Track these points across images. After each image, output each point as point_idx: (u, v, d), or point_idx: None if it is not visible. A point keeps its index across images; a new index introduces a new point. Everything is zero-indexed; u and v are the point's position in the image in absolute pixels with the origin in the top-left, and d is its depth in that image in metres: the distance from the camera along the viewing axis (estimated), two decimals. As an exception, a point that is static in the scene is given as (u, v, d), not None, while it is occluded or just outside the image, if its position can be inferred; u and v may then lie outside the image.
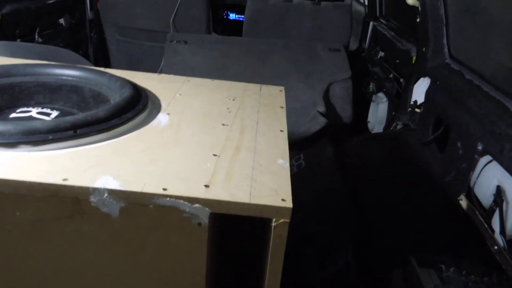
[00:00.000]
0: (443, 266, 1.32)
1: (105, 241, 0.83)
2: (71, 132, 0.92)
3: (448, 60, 1.98)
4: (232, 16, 4.35)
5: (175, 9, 3.01)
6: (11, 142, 0.86)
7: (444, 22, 1.97)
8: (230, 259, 1.02)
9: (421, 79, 2.08)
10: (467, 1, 1.91)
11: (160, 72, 2.89)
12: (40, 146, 0.88)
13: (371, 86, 2.97)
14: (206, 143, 1.00)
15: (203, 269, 0.85)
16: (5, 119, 1.09)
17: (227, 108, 1.22)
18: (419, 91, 2.06)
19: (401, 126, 2.23)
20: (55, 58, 2.18)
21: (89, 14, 3.33)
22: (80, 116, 0.97)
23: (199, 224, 0.81)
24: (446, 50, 1.99)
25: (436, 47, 2.01)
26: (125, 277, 0.87)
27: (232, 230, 0.92)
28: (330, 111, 2.65)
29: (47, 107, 1.16)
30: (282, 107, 1.28)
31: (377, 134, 2.59)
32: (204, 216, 0.80)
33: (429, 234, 1.50)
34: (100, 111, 1.00)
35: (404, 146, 2.03)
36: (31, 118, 1.08)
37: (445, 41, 1.99)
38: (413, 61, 2.20)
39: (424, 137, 1.94)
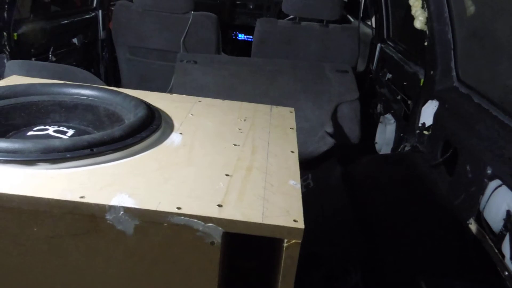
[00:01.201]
0: (452, 290, 1.32)
1: (119, 258, 0.84)
2: (88, 151, 0.94)
3: (456, 84, 2.00)
4: (241, 36, 4.43)
5: (186, 30, 3.07)
6: (30, 159, 0.89)
7: (452, 46, 2.00)
8: (239, 278, 1.03)
9: (429, 101, 2.09)
10: (474, 26, 1.94)
11: (170, 91, 2.94)
12: (58, 164, 0.90)
13: (379, 107, 2.99)
14: (218, 163, 1.02)
15: (215, 288, 0.86)
16: (23, 136, 1.11)
17: (239, 129, 1.24)
18: (427, 113, 2.07)
19: (409, 148, 2.24)
20: (69, 76, 2.23)
21: (101, 34, 3.41)
22: (96, 135, 0.99)
23: (212, 243, 0.82)
24: (454, 73, 2.01)
25: (444, 70, 2.03)
26: (137, 294, 0.88)
27: (241, 249, 0.93)
28: (338, 132, 2.67)
29: (63, 126, 1.19)
30: (292, 128, 1.30)
31: (385, 155, 2.59)
32: (217, 235, 0.81)
33: (438, 258, 1.49)
34: (116, 131, 1.02)
35: (413, 168, 2.03)
36: (48, 136, 1.11)
37: (453, 64, 2.01)
38: (421, 84, 2.23)
39: (433, 159, 1.95)
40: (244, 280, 1.02)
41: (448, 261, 1.49)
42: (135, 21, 3.13)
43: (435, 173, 1.91)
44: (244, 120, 1.31)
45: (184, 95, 1.48)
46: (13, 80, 1.40)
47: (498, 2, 1.76)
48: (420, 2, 2.18)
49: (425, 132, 2.08)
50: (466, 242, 1.52)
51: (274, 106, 1.47)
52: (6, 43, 2.26)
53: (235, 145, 1.13)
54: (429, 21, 2.10)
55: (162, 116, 1.23)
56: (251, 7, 4.33)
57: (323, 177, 2.28)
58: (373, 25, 3.33)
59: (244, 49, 4.02)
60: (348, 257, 1.61)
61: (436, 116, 2.01)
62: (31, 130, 1.15)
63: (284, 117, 1.39)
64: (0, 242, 0.83)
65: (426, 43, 2.16)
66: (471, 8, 1.96)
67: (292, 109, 1.47)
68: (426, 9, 2.12)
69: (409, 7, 2.29)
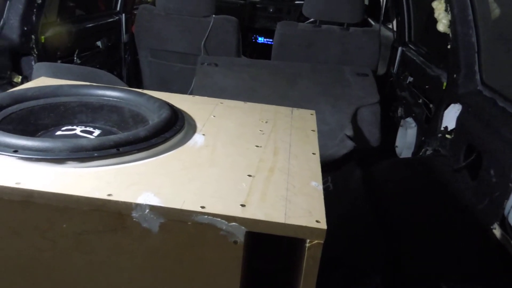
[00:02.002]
0: (475, 295, 1.30)
1: (144, 255, 0.86)
2: (114, 150, 0.96)
3: (480, 87, 1.97)
4: (261, 39, 4.45)
5: (207, 33, 3.11)
6: (60, 158, 0.92)
7: (476, 49, 1.97)
8: (260, 279, 1.04)
9: (452, 105, 2.07)
10: (499, 28, 1.91)
11: (191, 93, 2.98)
12: (86, 162, 0.93)
13: (399, 111, 2.96)
14: (240, 164, 1.03)
15: (237, 287, 0.87)
16: (52, 136, 1.15)
17: (260, 130, 1.26)
18: (450, 117, 2.05)
19: (431, 151, 2.21)
20: (93, 78, 2.28)
21: (124, 37, 3.48)
22: (122, 135, 1.02)
23: (235, 242, 0.83)
24: (478, 77, 1.98)
25: (467, 73, 2.00)
26: (161, 291, 0.90)
27: (261, 250, 0.93)
28: (358, 135, 2.65)
29: (89, 126, 1.22)
30: (313, 131, 1.31)
31: (407, 159, 2.57)
32: (240, 235, 0.83)
33: (461, 262, 1.47)
34: (141, 131, 1.04)
35: (435, 172, 2.01)
36: (75, 136, 1.14)
37: (477, 68, 1.98)
38: (444, 87, 2.20)
39: (455, 163, 1.92)
40: (266, 279, 1.03)
41: (471, 266, 1.47)
42: (157, 25, 3.18)
43: (458, 177, 1.88)
44: (266, 122, 1.32)
45: (206, 97, 1.50)
46: (42, 81, 1.44)
47: (524, 4, 1.73)
48: (444, 5, 2.15)
49: (447, 136, 2.05)
50: (490, 247, 1.50)
51: (295, 109, 1.47)
52: (34, 45, 2.33)
53: (257, 146, 1.14)
54: (452, 24, 2.08)
55: (185, 117, 1.25)
56: (271, 10, 4.35)
57: (343, 180, 2.27)
58: (394, 28, 3.30)
59: (263, 52, 4.04)
60: (369, 260, 1.60)
61: (459, 119, 1.98)
62: (59, 130, 1.18)
63: (305, 119, 1.40)
64: (30, 237, 0.86)
65: (449, 46, 2.14)
66: (496, 11, 1.93)
67: (313, 111, 1.47)
68: (450, 12, 2.10)
69: (431, 10, 2.27)
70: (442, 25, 2.15)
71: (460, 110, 2.00)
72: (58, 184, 0.85)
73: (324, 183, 1.00)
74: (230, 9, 3.93)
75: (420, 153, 2.31)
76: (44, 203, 0.83)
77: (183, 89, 3.08)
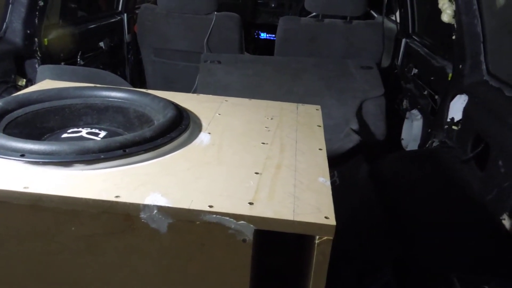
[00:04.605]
0: (486, 286, 1.29)
1: (153, 256, 0.86)
2: (120, 151, 0.96)
3: (486, 77, 1.95)
4: (263, 35, 4.43)
5: (209, 31, 3.10)
6: (67, 161, 0.92)
7: (482, 39, 1.95)
8: (270, 275, 1.04)
9: (458, 96, 2.05)
10: (505, 18, 1.89)
11: (195, 91, 2.98)
12: (93, 164, 0.93)
13: (405, 103, 2.95)
14: (247, 162, 1.03)
15: (247, 285, 0.87)
16: (58, 139, 1.15)
17: (266, 127, 1.25)
18: (456, 108, 2.03)
19: (437, 143, 2.20)
20: (97, 79, 2.29)
21: (127, 37, 3.48)
22: (128, 136, 1.02)
23: (244, 240, 0.83)
24: (484, 67, 1.96)
25: (473, 64, 1.98)
26: (171, 291, 0.90)
27: (270, 246, 0.93)
28: (363, 129, 2.64)
29: (95, 127, 1.22)
30: (319, 126, 1.30)
31: (414, 151, 2.55)
32: (248, 233, 0.82)
33: (471, 254, 1.46)
34: (147, 131, 1.04)
35: (442, 163, 1.99)
36: (81, 138, 1.14)
37: (482, 58, 1.96)
38: (449, 78, 2.18)
39: (463, 154, 1.91)
40: (275, 276, 1.03)
41: (481, 257, 1.46)
42: (159, 24, 3.17)
43: (465, 168, 1.87)
44: (271, 119, 1.32)
45: (210, 95, 1.50)
46: (46, 84, 1.45)
47: (530, -8, 1.71)
48: (447, -5, 2.13)
49: (454, 127, 2.04)
50: (499, 237, 1.49)
51: (300, 104, 1.47)
52: (37, 48, 2.34)
53: (263, 143, 1.14)
54: (457, 14, 2.06)
55: (190, 116, 1.24)
56: (273, 5, 4.33)
57: (350, 174, 2.26)
58: (398, 20, 3.28)
59: (266, 47, 4.02)
60: (379, 254, 1.60)
61: (466, 110, 1.96)
62: (65, 132, 1.19)
63: (310, 115, 1.39)
64: (40, 241, 0.86)
65: (454, 37, 2.12)
66: (501, 0, 1.91)
67: (319, 106, 1.46)
68: (454, 2, 2.07)
69: (435, 1, 2.25)
70: (447, 16, 2.13)
71: (466, 101, 1.98)
72: (66, 187, 0.85)
73: (331, 177, 0.99)
74: (231, 6, 3.92)
75: (427, 145, 2.30)
76: (52, 207, 0.83)
77: (187, 87, 3.08)
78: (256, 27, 4.39)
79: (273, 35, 3.42)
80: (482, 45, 1.97)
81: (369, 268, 1.56)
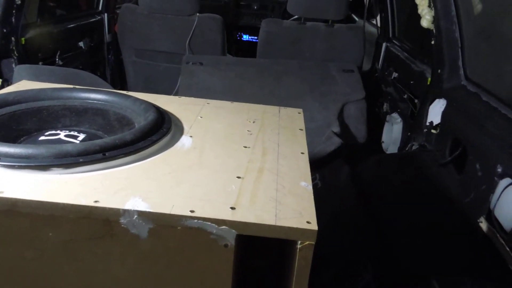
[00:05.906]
0: (464, 288, 1.31)
1: (134, 261, 0.85)
2: (100, 155, 0.95)
3: (464, 82, 1.99)
4: (245, 37, 4.43)
5: (191, 32, 3.08)
6: (44, 164, 0.90)
7: (459, 45, 1.99)
8: (252, 278, 1.03)
9: (437, 100, 2.09)
10: (482, 24, 1.93)
11: (176, 93, 2.95)
12: (71, 168, 0.91)
13: (385, 107, 2.99)
14: (229, 166, 1.02)
15: (229, 290, 0.86)
16: (35, 141, 1.12)
17: (248, 131, 1.25)
18: (435, 112, 2.07)
19: (417, 146, 2.23)
20: (77, 80, 2.25)
21: (107, 37, 3.43)
22: (108, 139, 1.00)
23: (226, 245, 0.82)
24: (462, 72, 2.00)
25: (451, 69, 2.02)
26: (152, 297, 0.88)
27: (252, 248, 0.93)
28: (344, 131, 2.66)
29: (74, 130, 1.20)
30: (301, 130, 1.31)
31: (394, 154, 2.59)
32: (230, 238, 0.82)
33: (449, 256, 1.48)
34: (127, 134, 1.03)
35: (421, 166, 2.02)
36: (59, 140, 1.11)
37: (460, 63, 2.00)
38: (428, 83, 2.22)
39: (441, 158, 1.94)
40: (257, 279, 1.03)
41: (459, 260, 1.48)
42: (140, 24, 3.14)
43: (444, 172, 1.90)
44: (253, 122, 1.32)
45: (192, 98, 1.49)
46: (23, 85, 1.41)
47: (506, -1, 1.75)
48: (427, 1, 2.17)
49: (433, 130, 2.07)
50: (476, 240, 1.52)
51: (283, 108, 1.47)
52: (14, 47, 2.28)
53: (245, 147, 1.13)
54: (436, 19, 2.10)
55: (172, 119, 1.23)
56: (255, 7, 4.33)
57: (331, 177, 2.27)
58: (378, 24, 3.32)
59: (248, 49, 4.02)
60: (359, 257, 1.61)
61: (444, 114, 2.00)
62: (43, 135, 1.16)
63: (292, 118, 1.39)
64: (16, 247, 0.84)
65: (433, 42, 2.16)
66: (478, 6, 1.95)
67: (301, 110, 1.47)
68: (433, 8, 2.11)
69: (414, 6, 2.28)
70: (426, 21, 2.17)
71: (445, 105, 2.02)
72: (43, 192, 0.83)
73: (312, 180, 1.00)
74: (214, 7, 3.90)
75: (406, 148, 2.33)
76: (29, 212, 0.81)
77: (168, 89, 3.05)
78: (239, 29, 4.38)
79: (256, 37, 3.42)
80: (460, 50, 2.01)
81: (349, 270, 1.57)
